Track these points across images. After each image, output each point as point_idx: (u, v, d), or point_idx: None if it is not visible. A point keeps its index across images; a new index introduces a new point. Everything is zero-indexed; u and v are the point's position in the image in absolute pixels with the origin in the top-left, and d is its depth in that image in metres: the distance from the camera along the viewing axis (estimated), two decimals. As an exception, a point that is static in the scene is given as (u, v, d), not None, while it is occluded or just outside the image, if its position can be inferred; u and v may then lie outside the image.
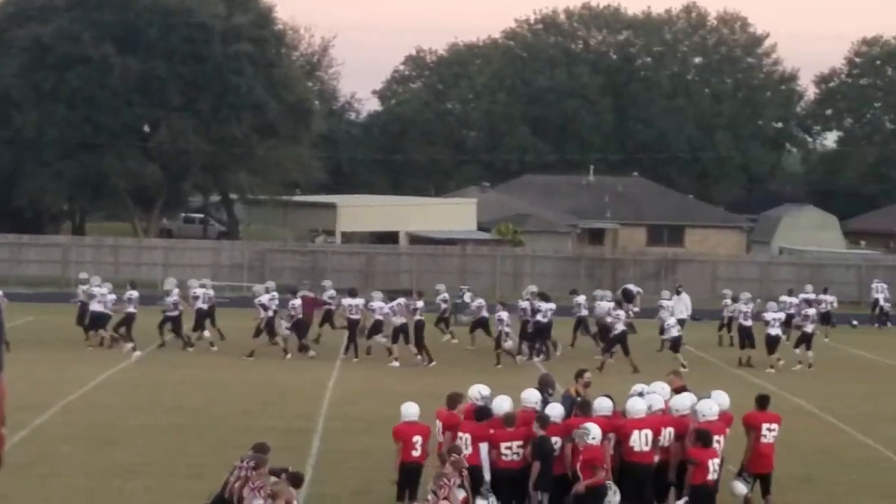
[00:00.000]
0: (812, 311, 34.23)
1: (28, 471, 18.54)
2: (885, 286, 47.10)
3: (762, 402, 17.65)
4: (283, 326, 32.76)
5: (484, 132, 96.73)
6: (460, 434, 16.27)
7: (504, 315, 32.23)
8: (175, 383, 27.52)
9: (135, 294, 33.35)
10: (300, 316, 33.01)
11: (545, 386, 18.19)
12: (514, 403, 16.94)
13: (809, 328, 33.41)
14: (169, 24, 60.92)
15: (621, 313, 32.87)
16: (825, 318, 41.87)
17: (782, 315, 33.93)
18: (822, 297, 42.65)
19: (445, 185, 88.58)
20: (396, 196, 77.70)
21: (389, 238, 62.30)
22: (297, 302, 32.97)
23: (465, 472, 14.77)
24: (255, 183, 65.04)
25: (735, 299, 36.87)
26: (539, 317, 32.65)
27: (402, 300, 32.93)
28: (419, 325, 32.26)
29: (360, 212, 66.00)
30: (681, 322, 35.21)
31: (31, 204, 61.98)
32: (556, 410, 16.41)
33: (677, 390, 18.17)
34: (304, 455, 20.49)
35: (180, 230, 77.33)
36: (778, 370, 32.18)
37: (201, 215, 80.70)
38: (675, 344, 32.80)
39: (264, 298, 32.79)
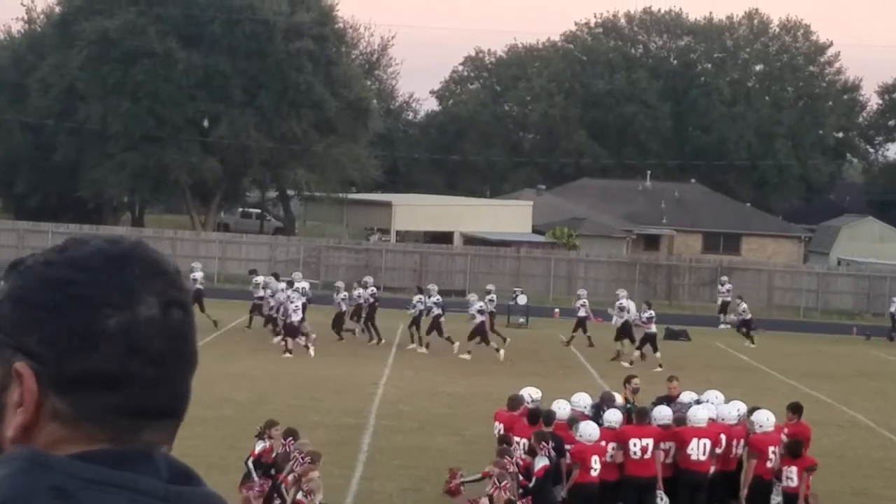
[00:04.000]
0: (652, 314, 34.03)
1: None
2: None
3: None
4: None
5: (541, 135, 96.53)
6: (517, 438, 16.31)
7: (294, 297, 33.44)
8: (228, 376, 27.72)
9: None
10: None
11: (604, 402, 18.17)
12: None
13: (652, 329, 33.62)
14: (232, 21, 61.45)
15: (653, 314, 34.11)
16: None
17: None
18: None
19: (501, 186, 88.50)
20: (452, 196, 77.74)
21: (444, 238, 62.37)
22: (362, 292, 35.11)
23: (514, 470, 14.85)
24: (312, 180, 65.40)
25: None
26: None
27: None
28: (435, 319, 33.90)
29: (416, 211, 66.14)
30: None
31: (93, 195, 62.71)
32: (615, 416, 16.47)
33: (676, 397, 18.33)
34: (355, 451, 20.59)
35: (237, 224, 77.86)
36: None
37: (258, 210, 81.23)
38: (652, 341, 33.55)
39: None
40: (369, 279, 37.73)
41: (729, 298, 45.16)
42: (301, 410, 23.75)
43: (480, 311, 33.49)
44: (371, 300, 35.75)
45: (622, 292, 37.02)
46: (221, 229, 68.98)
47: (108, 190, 62.26)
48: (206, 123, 64.56)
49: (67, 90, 61.23)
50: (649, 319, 33.75)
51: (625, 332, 34.77)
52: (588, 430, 15.73)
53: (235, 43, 61.71)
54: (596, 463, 15.59)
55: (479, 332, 33.29)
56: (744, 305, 40.67)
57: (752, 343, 38.97)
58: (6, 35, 73.84)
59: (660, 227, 72.86)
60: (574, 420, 16.39)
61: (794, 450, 16.10)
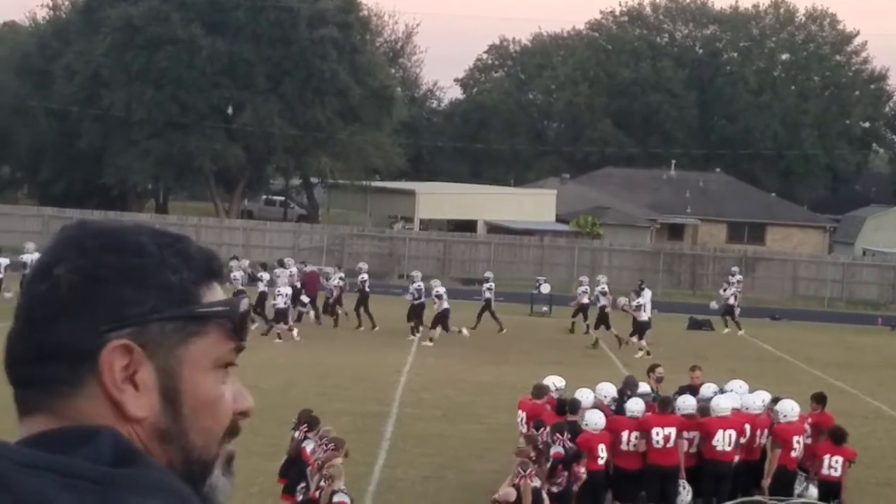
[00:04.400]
0: (640, 301, 33.93)
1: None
2: None
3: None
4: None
5: (565, 123, 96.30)
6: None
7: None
8: (254, 364, 27.74)
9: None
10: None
11: (627, 386, 18.14)
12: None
13: (643, 316, 33.37)
14: (257, 8, 61.46)
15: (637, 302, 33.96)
16: None
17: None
18: None
19: (525, 175, 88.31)
20: (476, 185, 77.62)
21: (467, 226, 62.29)
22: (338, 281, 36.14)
23: (539, 457, 14.82)
24: (336, 167, 65.40)
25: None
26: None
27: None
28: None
29: (439, 199, 66.05)
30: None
31: (118, 181, 62.90)
32: (637, 405, 16.43)
33: (698, 387, 18.28)
34: (378, 439, 20.60)
35: (261, 212, 77.93)
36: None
37: (282, 198, 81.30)
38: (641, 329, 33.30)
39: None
40: (363, 265, 37.82)
41: (740, 290, 44.85)
42: (325, 398, 23.75)
43: (439, 296, 33.39)
44: (362, 286, 35.85)
45: (602, 278, 37.08)
46: (245, 217, 69.08)
47: (133, 177, 62.41)
48: (230, 111, 64.65)
49: (92, 77, 61.37)
50: (638, 307, 33.59)
51: (603, 318, 34.76)
52: (594, 419, 15.71)
53: (260, 30, 61.71)
54: (602, 451, 15.59)
55: (441, 319, 33.30)
56: (731, 291, 40.70)
57: (726, 327, 38.91)
58: (31, 22, 74.12)
59: (684, 216, 72.62)
60: (597, 409, 16.39)
61: (839, 436, 15.98)
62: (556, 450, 15.23)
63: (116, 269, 1.52)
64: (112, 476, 1.40)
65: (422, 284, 34.30)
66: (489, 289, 36.73)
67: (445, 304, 33.29)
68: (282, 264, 35.72)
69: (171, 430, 1.54)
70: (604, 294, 35.21)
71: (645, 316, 33.33)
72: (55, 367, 1.50)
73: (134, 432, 1.51)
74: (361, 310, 35.57)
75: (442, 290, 33.54)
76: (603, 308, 34.90)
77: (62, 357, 1.49)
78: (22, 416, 1.53)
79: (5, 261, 34.32)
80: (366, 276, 36.19)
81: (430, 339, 32.96)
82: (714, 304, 42.06)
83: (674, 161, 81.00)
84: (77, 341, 1.49)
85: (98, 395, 1.50)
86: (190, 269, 1.56)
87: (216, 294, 1.59)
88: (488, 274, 38.88)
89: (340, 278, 36.37)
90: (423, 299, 33.99)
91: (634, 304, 33.81)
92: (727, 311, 39.86)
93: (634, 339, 33.07)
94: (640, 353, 31.63)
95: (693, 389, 18.21)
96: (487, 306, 36.45)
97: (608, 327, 34.53)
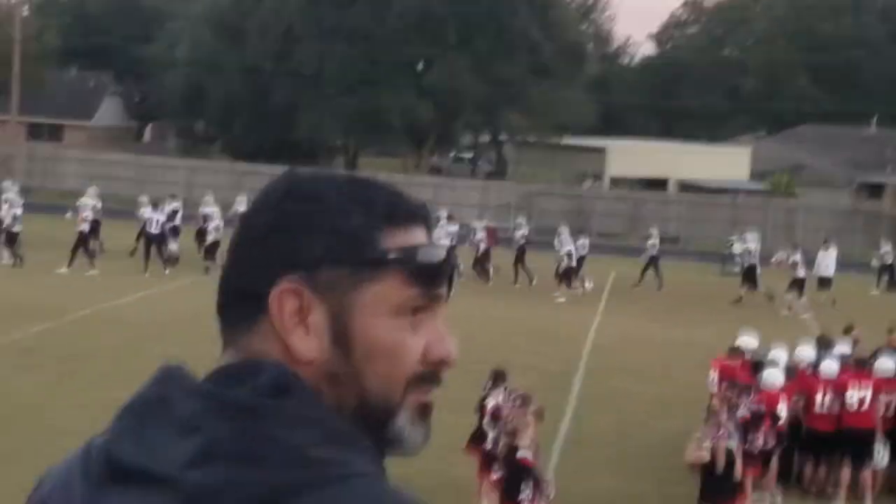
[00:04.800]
0: (797, 258, 33.19)
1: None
2: None
3: None
4: None
5: (761, 80, 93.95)
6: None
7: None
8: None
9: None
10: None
11: (822, 347, 17.66)
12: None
13: (801, 273, 32.87)
14: (448, -37, 61.49)
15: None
16: None
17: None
18: None
19: (718, 132, 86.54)
20: (667, 142, 76.35)
21: (658, 184, 61.34)
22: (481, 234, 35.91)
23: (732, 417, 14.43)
24: (526, 124, 65.12)
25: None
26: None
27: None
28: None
29: (630, 157, 65.15)
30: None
31: (309, 137, 63.84)
32: (832, 367, 16.01)
33: None
34: (565, 395, 20.43)
35: (449, 168, 78.17)
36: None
37: (471, 154, 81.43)
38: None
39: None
40: (522, 220, 37.64)
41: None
42: (510, 354, 23.62)
43: (569, 254, 33.09)
44: (522, 241, 35.63)
45: (750, 235, 36.49)
46: (434, 173, 69.39)
47: (324, 132, 63.32)
48: (420, 67, 64.92)
49: (284, 33, 62.30)
50: (795, 264, 33.13)
51: (749, 276, 34.25)
52: (771, 378, 15.49)
53: (451, -14, 61.75)
54: (782, 411, 15.30)
55: (565, 275, 33.00)
56: (886, 248, 39.19)
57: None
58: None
59: (885, 175, 70.10)
60: (787, 369, 16.12)
61: None
62: (743, 412, 14.90)
63: (295, 216, 1.57)
64: (265, 405, 1.48)
65: (571, 240, 33.90)
66: (653, 245, 36.21)
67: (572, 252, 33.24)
68: (451, 219, 35.88)
69: (342, 373, 1.56)
70: (750, 253, 34.74)
71: (802, 273, 32.97)
72: (242, 307, 1.58)
73: (304, 372, 1.54)
74: (519, 266, 35.42)
75: (570, 247, 33.30)
76: (752, 266, 34.49)
77: (247, 298, 1.57)
78: (222, 351, 1.62)
79: (160, 216, 33.04)
80: (525, 231, 36.04)
81: (585, 285, 33.35)
82: (875, 262, 40.59)
83: (875, 117, 78.25)
84: (257, 284, 1.56)
85: (271, 334, 1.55)
86: (370, 216, 1.57)
87: (407, 240, 1.58)
88: (653, 230, 38.10)
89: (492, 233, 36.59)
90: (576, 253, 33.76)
91: (791, 259, 33.49)
92: (884, 270, 38.71)
93: (792, 295, 32.75)
94: (806, 313, 31.32)
95: (891, 351, 17.56)
96: (652, 262, 36.00)
97: (755, 285, 34.00)
